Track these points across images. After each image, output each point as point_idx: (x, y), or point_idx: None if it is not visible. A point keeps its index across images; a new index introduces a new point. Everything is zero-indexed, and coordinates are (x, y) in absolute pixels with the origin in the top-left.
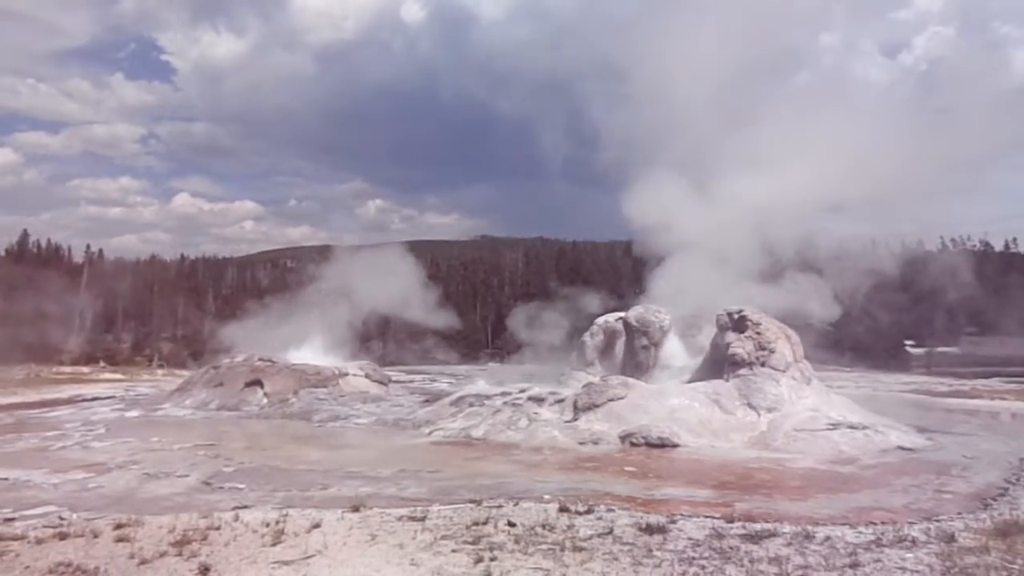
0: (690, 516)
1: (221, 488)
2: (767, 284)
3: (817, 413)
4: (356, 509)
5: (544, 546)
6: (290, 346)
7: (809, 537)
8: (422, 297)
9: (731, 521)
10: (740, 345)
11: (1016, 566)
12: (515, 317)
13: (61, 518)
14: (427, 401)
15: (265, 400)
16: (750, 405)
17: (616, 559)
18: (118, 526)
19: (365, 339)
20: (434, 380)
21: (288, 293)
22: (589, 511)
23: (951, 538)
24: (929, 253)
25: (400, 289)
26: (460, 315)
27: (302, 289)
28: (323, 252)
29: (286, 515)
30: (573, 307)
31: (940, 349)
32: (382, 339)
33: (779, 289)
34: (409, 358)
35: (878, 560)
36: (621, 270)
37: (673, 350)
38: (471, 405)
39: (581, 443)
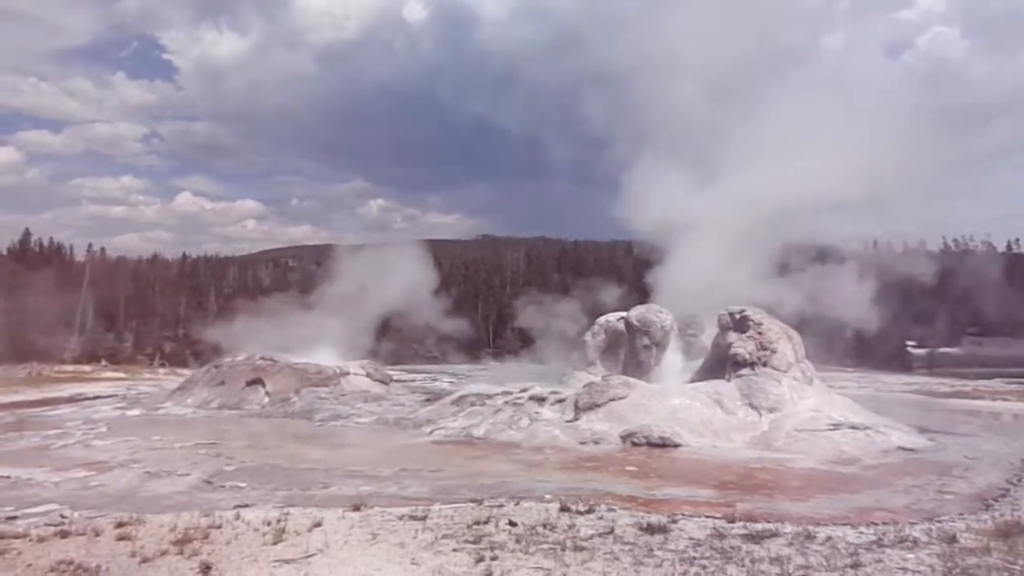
0: (691, 516)
1: (222, 487)
2: (776, 282)
3: (819, 413)
4: (357, 508)
5: (545, 546)
6: (298, 346)
7: (810, 537)
8: (428, 296)
9: (732, 521)
10: (742, 345)
11: (1017, 567)
12: (526, 311)
13: (62, 516)
14: (428, 400)
15: (266, 399)
16: (751, 405)
17: (617, 559)
18: (119, 524)
19: (377, 338)
20: (435, 379)
21: (293, 292)
22: (590, 511)
23: (953, 539)
24: (931, 254)
25: (410, 288)
26: (462, 314)
27: (311, 288)
28: (324, 251)
29: (287, 514)
30: (586, 302)
31: (942, 350)
32: (385, 338)
33: (792, 288)
34: (410, 357)
35: (879, 560)
36: (623, 269)
37: (675, 350)
38: (472, 404)
39: (582, 443)
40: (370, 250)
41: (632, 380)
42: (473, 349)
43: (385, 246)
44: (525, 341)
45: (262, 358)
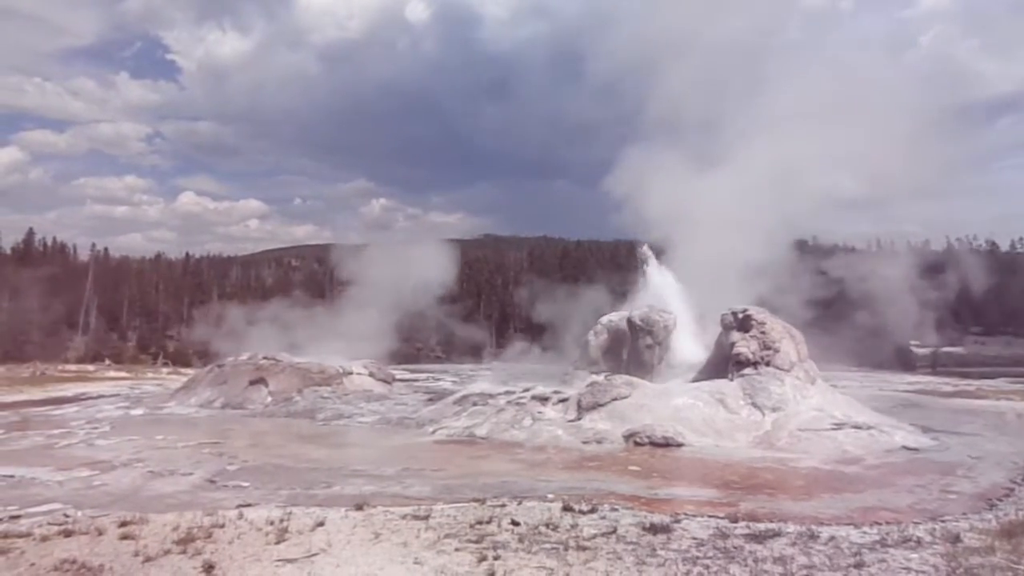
0: (694, 515)
1: (225, 486)
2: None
3: (821, 413)
4: (360, 507)
5: (548, 545)
6: (310, 345)
7: (813, 537)
8: (435, 296)
9: (735, 521)
10: (744, 344)
11: (1022, 567)
12: (537, 308)
13: (66, 515)
14: (431, 400)
15: (269, 398)
16: (754, 405)
17: (620, 558)
18: (123, 524)
19: (404, 338)
20: (438, 379)
21: (299, 292)
22: (593, 510)
23: (956, 538)
24: (935, 253)
25: (424, 288)
26: (465, 314)
27: (318, 289)
28: (326, 251)
29: (290, 513)
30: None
31: (945, 349)
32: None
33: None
34: (413, 356)
35: (883, 560)
36: (625, 268)
37: (677, 349)
38: (475, 404)
39: (585, 442)
40: (391, 249)
41: (635, 379)
42: (476, 348)
43: (405, 244)
44: (532, 334)
45: (265, 357)
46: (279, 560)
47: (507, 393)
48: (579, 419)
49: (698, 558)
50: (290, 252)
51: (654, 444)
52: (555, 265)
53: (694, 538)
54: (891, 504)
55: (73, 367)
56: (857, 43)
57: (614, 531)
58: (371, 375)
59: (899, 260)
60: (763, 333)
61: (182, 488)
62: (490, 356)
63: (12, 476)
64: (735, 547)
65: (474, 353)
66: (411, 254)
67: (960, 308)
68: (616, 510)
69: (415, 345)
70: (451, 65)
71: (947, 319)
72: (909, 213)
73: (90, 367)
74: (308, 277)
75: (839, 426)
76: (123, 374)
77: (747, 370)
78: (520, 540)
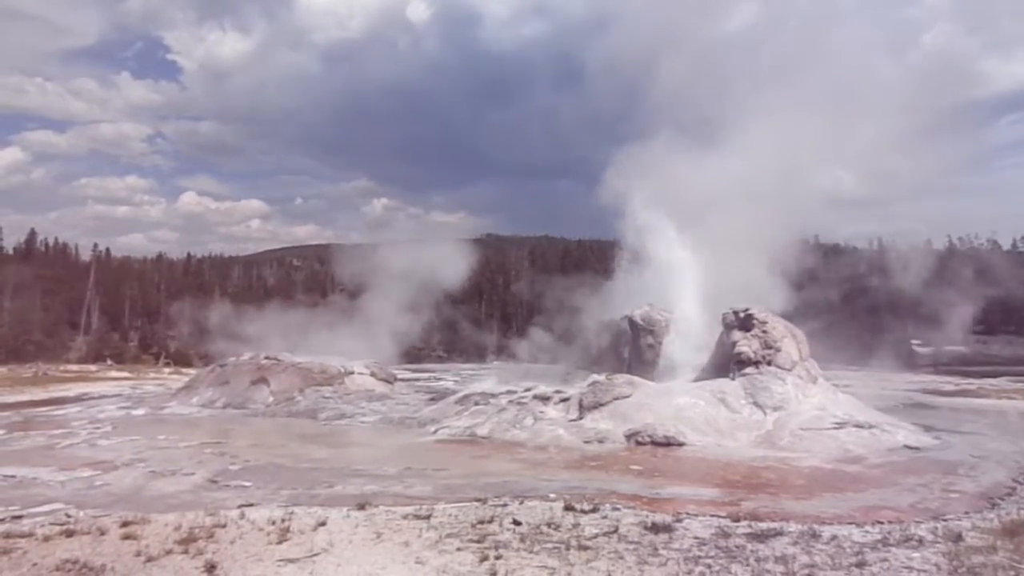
0: (696, 515)
1: (227, 486)
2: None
3: (823, 412)
4: (362, 507)
5: (549, 545)
6: (317, 345)
7: (815, 536)
8: (439, 295)
9: (737, 520)
10: (746, 344)
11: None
12: (541, 304)
13: (68, 515)
14: (432, 399)
15: (271, 398)
16: (756, 404)
17: (621, 558)
18: (125, 524)
19: (426, 340)
20: (439, 378)
21: (303, 292)
22: (594, 510)
23: (958, 537)
24: (936, 252)
25: (426, 287)
26: (466, 313)
27: (323, 289)
28: (328, 251)
29: (292, 513)
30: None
31: (947, 348)
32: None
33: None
34: (415, 356)
35: (884, 559)
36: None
37: (678, 348)
38: (476, 404)
39: (586, 441)
40: (398, 248)
41: (636, 379)
42: (477, 348)
43: (414, 244)
44: (534, 334)
45: (266, 357)
46: (281, 560)
47: (508, 393)
48: (581, 418)
49: (700, 557)
50: (292, 252)
51: (655, 443)
52: (556, 264)
53: (696, 537)
54: (893, 503)
55: (75, 367)
56: (859, 41)
57: (616, 530)
58: (372, 375)
59: (900, 259)
60: (765, 332)
61: (184, 488)
62: (492, 355)
63: (14, 476)
64: (737, 546)
65: (476, 352)
66: (422, 254)
67: (962, 307)
68: (618, 509)
69: (417, 345)
70: (452, 65)
71: (949, 318)
72: (911, 211)
73: (92, 367)
74: (310, 277)
75: (841, 425)
76: (125, 374)
77: (749, 369)
78: (522, 540)
